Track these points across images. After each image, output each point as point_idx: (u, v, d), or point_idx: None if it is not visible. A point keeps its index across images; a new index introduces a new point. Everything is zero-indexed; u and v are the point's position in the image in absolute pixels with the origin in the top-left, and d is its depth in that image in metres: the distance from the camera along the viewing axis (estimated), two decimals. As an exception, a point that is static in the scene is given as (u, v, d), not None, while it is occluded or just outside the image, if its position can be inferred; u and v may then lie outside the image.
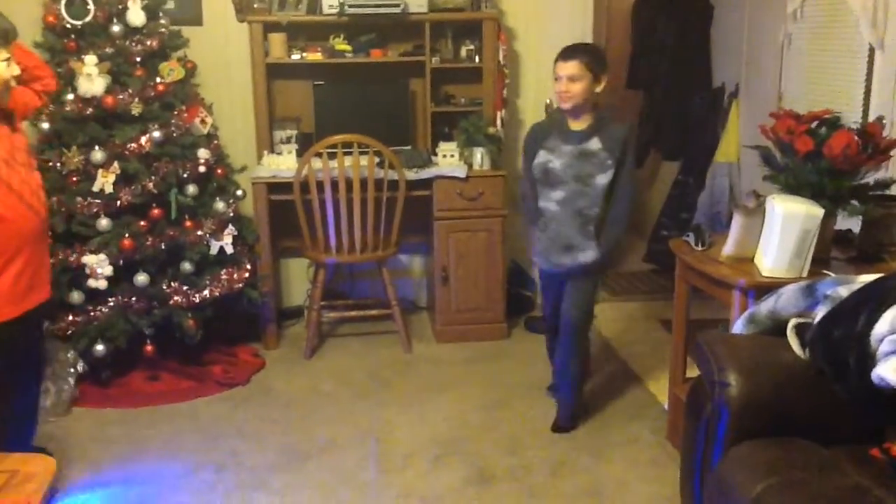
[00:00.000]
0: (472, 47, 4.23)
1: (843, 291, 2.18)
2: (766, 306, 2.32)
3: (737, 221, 2.69)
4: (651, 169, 5.78)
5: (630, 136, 2.97)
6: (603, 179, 2.96)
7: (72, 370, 3.36)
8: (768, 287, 2.42)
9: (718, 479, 2.08)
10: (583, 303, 3.16)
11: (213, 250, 3.61)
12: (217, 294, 3.57)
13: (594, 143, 2.95)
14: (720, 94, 4.81)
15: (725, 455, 2.11)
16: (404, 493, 2.84)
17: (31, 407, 2.63)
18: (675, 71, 5.12)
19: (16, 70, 2.29)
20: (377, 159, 3.83)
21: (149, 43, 3.50)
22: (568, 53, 2.93)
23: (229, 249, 3.66)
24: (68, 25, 3.40)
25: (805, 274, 2.54)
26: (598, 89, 2.94)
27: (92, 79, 3.33)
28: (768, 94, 4.18)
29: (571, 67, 2.89)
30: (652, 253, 5.22)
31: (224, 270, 3.64)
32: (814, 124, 2.71)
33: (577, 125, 2.99)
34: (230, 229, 3.67)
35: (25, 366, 2.56)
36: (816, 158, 2.63)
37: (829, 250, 2.75)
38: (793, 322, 2.22)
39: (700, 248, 2.87)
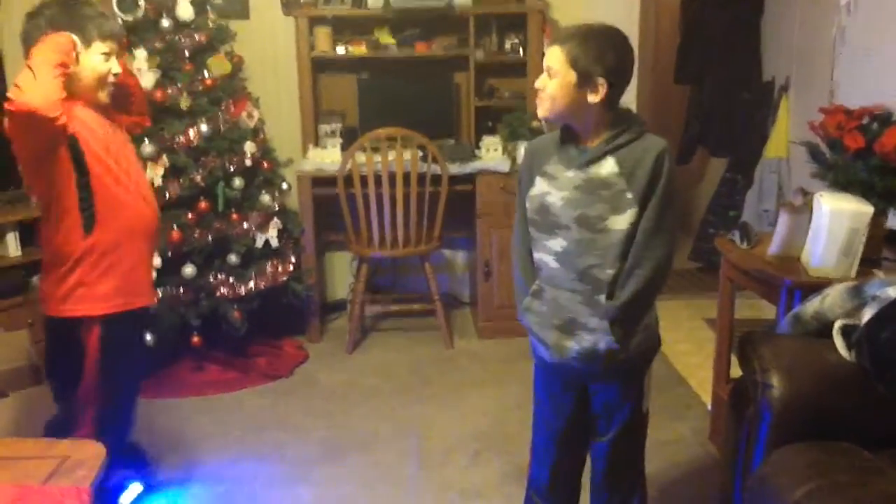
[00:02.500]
0: (516, 40, 4.22)
1: (892, 292, 2.12)
2: (811, 306, 2.27)
3: (783, 219, 2.64)
4: (699, 166, 5.70)
5: (666, 156, 1.91)
6: (620, 222, 1.92)
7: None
8: (815, 286, 2.37)
9: (759, 482, 2.05)
10: (630, 429, 2.12)
11: (259, 243, 3.66)
12: (262, 286, 3.63)
13: (607, 166, 1.93)
14: (770, 88, 4.71)
15: (767, 457, 2.07)
16: (443, 488, 2.86)
17: (135, 401, 2.64)
18: (723, 64, 5.03)
19: (116, 67, 2.29)
20: (421, 153, 3.84)
21: (197, 37, 3.56)
22: (559, 35, 1.95)
23: (274, 242, 3.71)
24: (120, 20, 3.46)
25: (853, 274, 2.48)
26: (593, 99, 1.89)
27: (142, 73, 3.39)
28: (819, 89, 4.08)
29: (551, 55, 1.92)
30: (698, 251, 5.15)
31: (269, 263, 3.69)
32: (865, 120, 2.64)
33: (585, 141, 1.98)
34: (275, 222, 3.72)
35: (140, 359, 2.60)
36: (867, 155, 2.57)
37: (879, 250, 2.68)
38: (839, 323, 2.17)
39: (746, 246, 2.83)
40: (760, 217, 4.49)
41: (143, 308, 2.43)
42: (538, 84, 1.95)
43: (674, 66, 5.43)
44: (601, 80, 1.88)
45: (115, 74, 2.30)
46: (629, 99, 4.44)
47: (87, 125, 2.24)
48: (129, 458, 2.77)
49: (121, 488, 2.70)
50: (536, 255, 2.07)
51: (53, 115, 2.05)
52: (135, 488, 2.75)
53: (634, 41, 4.38)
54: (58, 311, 2.31)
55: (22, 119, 2.05)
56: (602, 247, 1.95)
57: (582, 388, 2.12)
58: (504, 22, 4.24)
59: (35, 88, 2.02)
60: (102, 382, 2.34)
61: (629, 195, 1.91)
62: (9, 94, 2.03)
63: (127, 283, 2.35)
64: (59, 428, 2.40)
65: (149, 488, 2.80)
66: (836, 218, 2.47)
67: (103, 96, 2.32)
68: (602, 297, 1.97)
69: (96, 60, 2.25)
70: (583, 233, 1.96)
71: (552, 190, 2.00)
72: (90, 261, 2.27)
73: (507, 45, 4.23)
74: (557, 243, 2.00)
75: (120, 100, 2.43)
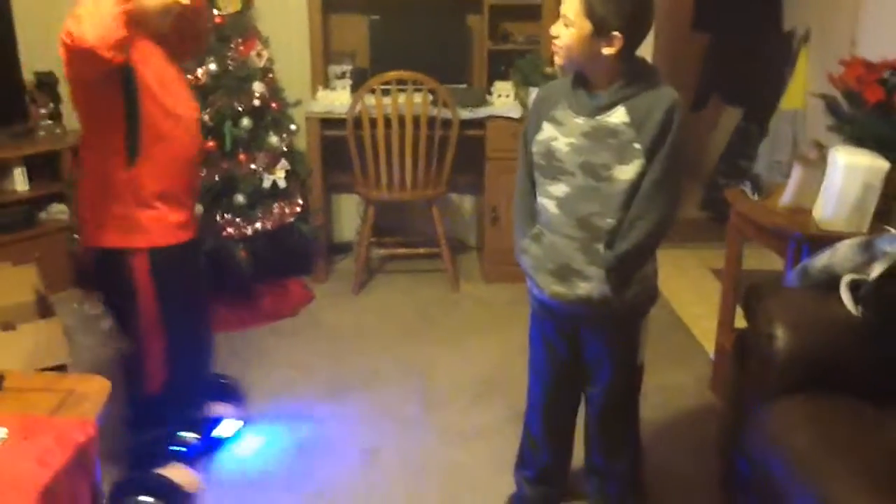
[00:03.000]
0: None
1: (903, 248, 2.11)
2: (820, 260, 2.26)
3: (796, 172, 2.61)
4: (713, 114, 5.62)
5: (677, 109, 1.88)
6: (625, 173, 1.91)
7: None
8: (825, 240, 2.36)
9: (761, 432, 2.06)
10: (621, 379, 2.16)
11: (266, 184, 3.64)
12: (269, 227, 3.62)
13: (617, 116, 1.90)
14: (789, 38, 4.62)
15: (769, 409, 2.08)
16: (445, 428, 2.90)
17: (204, 333, 2.66)
18: (743, 13, 4.93)
19: None
20: (431, 97, 3.79)
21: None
22: None
23: (282, 184, 3.69)
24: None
25: (865, 229, 2.47)
26: (608, 51, 1.86)
27: (150, 9, 3.34)
28: (841, 41, 3.99)
29: (568, 5, 1.88)
30: (708, 200, 5.12)
31: (276, 204, 3.67)
32: (886, 73, 2.59)
33: (597, 88, 1.96)
34: (283, 163, 3.70)
35: (197, 289, 2.59)
36: (886, 109, 2.53)
37: (893, 206, 2.65)
38: (847, 278, 2.16)
39: (757, 198, 2.80)
40: (772, 168, 4.44)
41: (189, 240, 2.41)
42: (553, 31, 1.92)
43: (691, 12, 5.32)
44: (616, 34, 1.84)
45: (181, 4, 2.24)
46: (645, 45, 4.41)
47: (145, 55, 2.19)
48: (217, 392, 2.81)
49: (214, 422, 2.75)
50: (538, 200, 2.07)
51: (111, 55, 1.96)
52: (231, 423, 2.80)
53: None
54: (99, 240, 2.29)
55: (76, 53, 1.98)
56: (604, 195, 1.94)
57: (574, 335, 2.14)
58: (520, -37, 4.14)
59: (95, 25, 1.92)
60: (163, 314, 2.34)
61: (637, 146, 1.89)
62: (66, 24, 1.94)
63: (169, 217, 2.32)
64: (131, 361, 2.41)
65: (246, 422, 2.85)
66: (851, 172, 2.44)
67: (165, 25, 2.28)
68: (600, 246, 1.97)
69: None
70: (587, 180, 1.94)
71: (559, 135, 1.98)
72: (132, 192, 2.24)
73: (523, -12, 4.15)
74: (560, 189, 1.99)
75: (180, 27, 2.37)
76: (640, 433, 2.33)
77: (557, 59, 1.94)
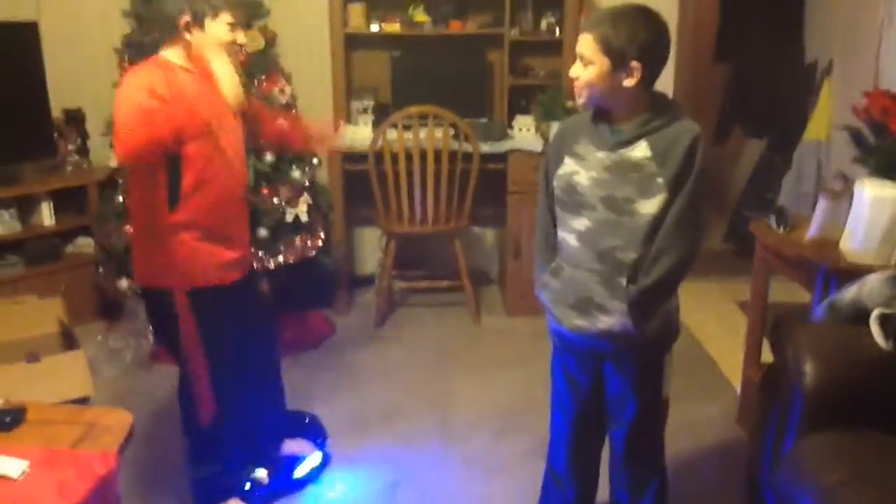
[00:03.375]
0: (552, 20, 4.16)
1: (934, 281, 2.08)
2: (848, 294, 2.23)
3: (822, 204, 2.59)
4: (736, 145, 5.61)
5: (699, 143, 1.88)
6: (648, 207, 1.89)
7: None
8: (852, 273, 2.33)
9: (789, 468, 2.02)
10: (646, 416, 2.10)
11: (289, 217, 3.66)
12: (291, 260, 3.64)
13: (640, 150, 1.90)
14: (812, 70, 4.60)
15: (797, 443, 2.05)
16: (467, 463, 2.87)
17: (259, 371, 2.65)
18: (765, 44, 4.93)
19: (241, 37, 2.32)
20: (452, 131, 3.82)
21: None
22: (589, 22, 1.92)
23: (304, 217, 3.71)
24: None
25: (894, 261, 2.43)
26: (629, 83, 1.86)
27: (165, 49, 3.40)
28: (864, 73, 3.97)
29: (583, 43, 1.88)
30: (732, 232, 5.08)
31: (298, 237, 3.69)
32: (911, 104, 2.57)
33: (619, 123, 1.95)
34: (305, 197, 3.72)
35: (256, 331, 2.61)
36: (912, 140, 2.50)
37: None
38: (876, 312, 2.13)
39: (782, 230, 2.78)
40: (797, 200, 4.40)
41: (237, 280, 2.44)
42: (573, 73, 1.92)
43: (714, 44, 5.33)
44: (635, 64, 1.84)
45: (239, 45, 2.33)
46: (666, 76, 4.41)
47: (194, 101, 2.24)
48: (294, 429, 2.83)
49: (296, 460, 2.76)
50: (559, 234, 2.06)
51: (154, 158, 2.15)
52: (313, 458, 2.81)
53: (673, 18, 4.36)
54: (146, 280, 2.39)
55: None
56: (627, 229, 1.92)
57: (598, 370, 2.11)
58: (540, 0, 4.17)
59: (129, 151, 2.08)
60: (207, 349, 2.38)
61: (660, 180, 1.88)
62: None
63: (212, 257, 2.36)
64: (180, 387, 2.48)
65: (326, 458, 2.85)
66: (878, 205, 2.41)
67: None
68: (622, 280, 1.95)
69: (222, 30, 2.26)
70: (608, 214, 1.93)
71: (580, 169, 1.97)
72: (174, 234, 2.29)
73: (543, 25, 4.17)
74: (581, 223, 1.98)
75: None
76: (667, 468, 2.28)
77: (580, 100, 1.94)
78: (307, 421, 2.96)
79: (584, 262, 1.99)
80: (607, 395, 2.13)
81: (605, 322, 1.98)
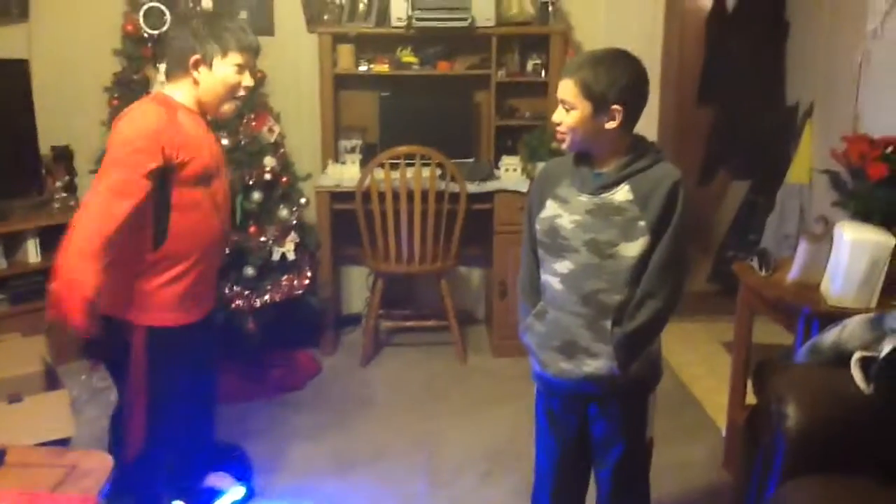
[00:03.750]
0: (538, 61, 4.22)
1: (913, 325, 2.10)
2: (829, 337, 2.25)
3: (803, 248, 2.62)
4: (720, 187, 5.67)
5: (680, 186, 1.91)
6: (631, 250, 1.92)
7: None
8: (834, 316, 2.35)
9: (773, 513, 2.02)
10: (630, 457, 2.11)
11: (276, 256, 3.67)
12: (277, 299, 3.63)
13: (622, 194, 1.92)
14: (794, 112, 4.68)
15: (780, 488, 2.05)
16: (452, 505, 2.85)
17: (196, 406, 2.63)
18: (747, 87, 5.02)
19: (248, 80, 2.32)
20: (439, 171, 3.85)
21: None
22: (569, 67, 1.95)
23: (291, 256, 3.72)
24: (146, 34, 3.52)
25: (874, 305, 2.45)
26: (611, 125, 1.89)
27: (165, 86, 3.43)
28: (844, 115, 4.04)
29: (564, 89, 1.92)
30: (716, 273, 5.12)
31: (285, 276, 3.70)
32: (888, 149, 2.62)
33: (600, 166, 1.99)
34: (293, 236, 3.73)
35: (202, 368, 2.59)
36: (890, 185, 2.54)
37: (901, 281, 2.65)
38: (857, 355, 2.14)
39: (764, 273, 2.80)
40: (780, 242, 4.45)
41: (198, 320, 2.43)
42: (555, 118, 1.95)
43: (697, 87, 5.41)
44: (616, 106, 1.88)
45: (245, 87, 2.33)
46: (650, 118, 4.48)
47: (194, 144, 2.25)
48: (219, 463, 2.79)
49: (213, 494, 2.72)
50: (542, 277, 2.07)
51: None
52: (235, 492, 2.78)
53: (657, 61, 4.44)
54: (110, 309, 2.31)
55: None
56: (610, 272, 1.94)
57: (581, 413, 2.11)
58: (526, 42, 4.24)
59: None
60: (150, 385, 2.34)
61: (642, 223, 1.91)
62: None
63: (184, 298, 2.35)
64: (118, 417, 2.44)
65: (251, 492, 2.83)
66: (857, 249, 2.44)
67: (228, 109, 2.37)
68: (607, 323, 1.96)
69: (228, 71, 2.28)
70: (591, 257, 1.95)
71: (563, 213, 1.99)
72: (152, 272, 2.28)
73: (529, 67, 4.23)
74: (564, 266, 1.99)
75: None
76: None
77: (564, 145, 1.97)
78: (235, 454, 2.91)
79: (568, 305, 2.00)
80: (593, 438, 2.13)
81: (590, 365, 1.99)
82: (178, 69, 2.29)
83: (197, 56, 2.24)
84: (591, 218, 1.95)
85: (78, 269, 2.09)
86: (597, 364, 1.98)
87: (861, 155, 2.60)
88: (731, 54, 5.13)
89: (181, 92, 2.30)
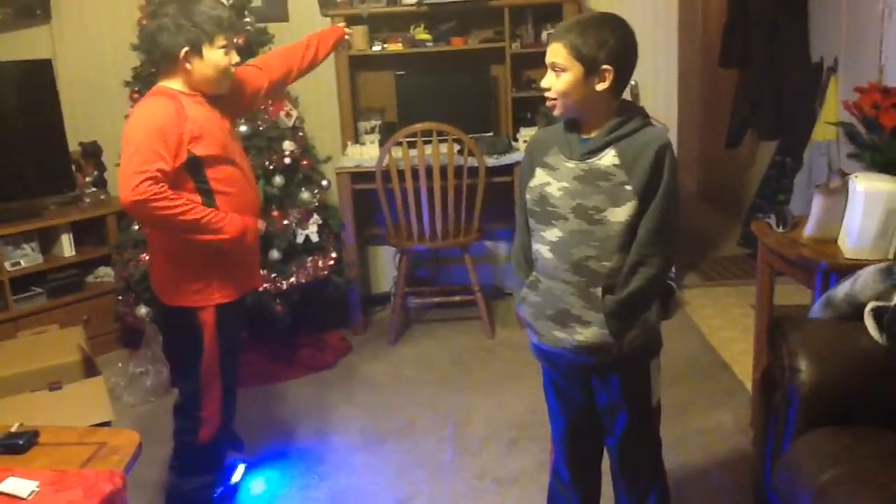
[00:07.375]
0: (552, 31, 4.19)
1: (926, 273, 2.07)
2: (842, 289, 2.23)
3: (817, 201, 2.59)
4: (748, 150, 5.59)
5: (667, 150, 1.89)
6: (618, 215, 1.89)
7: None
8: (851, 269, 2.32)
9: (787, 467, 2.02)
10: (637, 425, 2.09)
11: (300, 239, 3.74)
12: (303, 281, 3.70)
13: (608, 158, 1.91)
14: (818, 69, 4.59)
15: (795, 443, 2.05)
16: (479, 475, 2.89)
17: (235, 388, 2.72)
18: (770, 46, 4.92)
19: (234, 57, 2.38)
20: (457, 147, 3.87)
21: (236, 40, 3.63)
22: (557, 31, 1.92)
23: (315, 238, 3.78)
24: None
25: (891, 255, 2.42)
26: (602, 86, 1.88)
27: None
28: (868, 69, 3.95)
29: (554, 52, 1.90)
30: (747, 236, 5.06)
31: (310, 258, 3.76)
32: (902, 98, 2.58)
33: (588, 131, 1.97)
34: (315, 218, 3.79)
35: (237, 348, 2.68)
36: (904, 134, 2.50)
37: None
38: (870, 305, 2.13)
39: (781, 230, 2.78)
40: (810, 201, 4.38)
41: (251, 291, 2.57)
42: (545, 83, 1.93)
43: (720, 50, 5.33)
44: (606, 66, 1.86)
45: (234, 64, 2.39)
46: (670, 84, 4.44)
47: (207, 126, 2.32)
48: (233, 439, 2.89)
49: (232, 469, 2.84)
50: (534, 246, 2.05)
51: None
52: (240, 469, 2.88)
53: (674, 27, 4.38)
54: (173, 301, 2.43)
55: None
56: (599, 239, 1.92)
57: (586, 383, 2.10)
58: (539, 13, 4.23)
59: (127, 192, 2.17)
60: (221, 364, 2.46)
61: (628, 188, 1.89)
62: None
63: (237, 271, 2.44)
64: (184, 410, 2.54)
65: (249, 468, 2.93)
66: (872, 199, 2.41)
67: (225, 87, 2.42)
68: (598, 291, 1.93)
69: (218, 56, 2.33)
70: (580, 223, 1.93)
71: (552, 180, 1.97)
72: (201, 255, 2.36)
73: (544, 37, 4.22)
74: (553, 234, 1.97)
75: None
76: (665, 474, 2.27)
77: (556, 112, 1.95)
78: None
79: (559, 273, 1.98)
80: (599, 406, 2.12)
81: (582, 334, 1.96)
82: (170, 64, 2.33)
83: (186, 49, 2.28)
84: (578, 184, 1.93)
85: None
86: (588, 332, 1.95)
87: (874, 104, 2.56)
88: (753, 14, 5.03)
89: (176, 83, 2.36)
